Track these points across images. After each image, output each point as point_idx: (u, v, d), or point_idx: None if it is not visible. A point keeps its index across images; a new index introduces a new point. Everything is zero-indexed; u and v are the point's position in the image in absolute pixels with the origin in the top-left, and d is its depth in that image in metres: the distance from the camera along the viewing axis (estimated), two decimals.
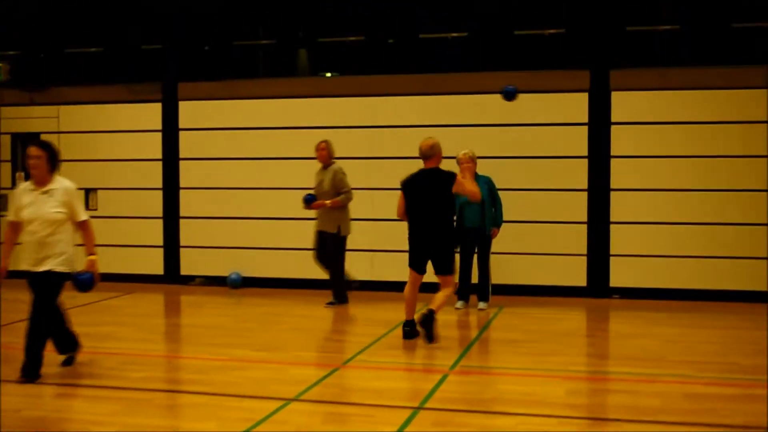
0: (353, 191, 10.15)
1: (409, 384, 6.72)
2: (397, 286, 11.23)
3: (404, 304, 8.37)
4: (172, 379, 7.01)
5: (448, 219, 8.28)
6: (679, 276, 10.71)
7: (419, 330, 8.14)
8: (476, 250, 9.99)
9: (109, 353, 7.82)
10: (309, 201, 10.14)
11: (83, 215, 6.81)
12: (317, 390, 6.48)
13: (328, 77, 12.54)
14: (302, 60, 12.76)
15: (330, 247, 10.09)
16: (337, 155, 11.51)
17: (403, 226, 11.26)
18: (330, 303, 10.20)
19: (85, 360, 7.48)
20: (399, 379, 6.93)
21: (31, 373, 6.66)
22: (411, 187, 8.44)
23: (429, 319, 8.01)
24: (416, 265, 8.37)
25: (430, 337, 8.00)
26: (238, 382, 6.70)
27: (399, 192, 11.22)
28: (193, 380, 7.06)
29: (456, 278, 8.59)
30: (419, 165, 11.21)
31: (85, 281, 6.77)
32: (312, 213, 10.35)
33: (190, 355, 8.09)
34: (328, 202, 9.93)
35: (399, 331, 8.69)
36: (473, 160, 9.87)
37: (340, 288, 10.24)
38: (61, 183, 6.79)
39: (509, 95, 9.81)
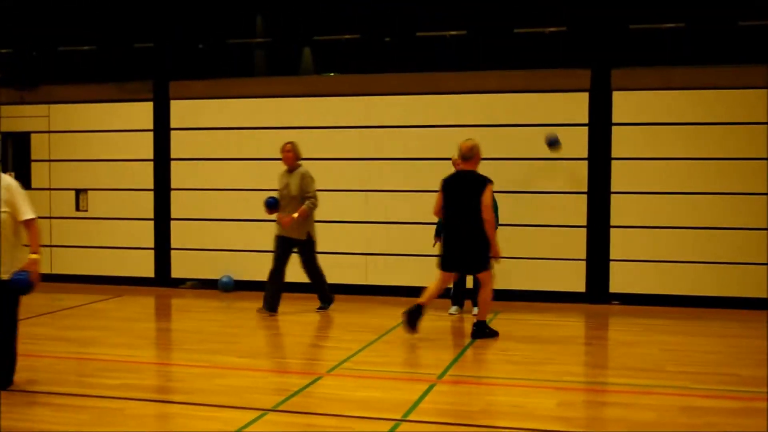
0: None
1: (393, 394, 6.41)
2: (391, 291, 11.07)
3: (420, 296, 8.37)
4: (148, 387, 6.73)
5: (479, 221, 8.22)
6: (681, 282, 10.40)
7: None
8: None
9: (88, 359, 7.61)
10: (272, 205, 9.68)
11: (28, 214, 6.30)
12: (297, 400, 6.20)
13: (330, 76, 12.26)
14: (306, 59, 12.49)
15: (303, 255, 9.76)
16: (331, 156, 11.32)
17: (399, 230, 11.12)
18: (320, 308, 9.94)
19: (64, 366, 7.26)
20: (384, 388, 6.62)
21: (3, 380, 6.41)
22: (448, 187, 8.52)
23: (480, 331, 8.41)
24: (447, 267, 8.49)
25: (491, 335, 8.46)
26: (217, 391, 6.44)
27: (399, 193, 11.13)
28: (170, 388, 6.82)
29: (490, 278, 8.47)
30: (417, 166, 11.06)
31: (18, 282, 6.20)
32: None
33: (171, 361, 7.85)
34: (295, 215, 9.44)
35: (389, 337, 8.48)
36: None
37: (323, 290, 9.97)
38: (2, 180, 6.35)
39: (552, 144, 10.12)
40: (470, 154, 8.46)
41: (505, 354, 7.87)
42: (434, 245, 9.88)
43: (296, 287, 10.43)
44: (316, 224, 9.81)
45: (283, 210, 9.60)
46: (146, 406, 6.11)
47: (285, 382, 6.88)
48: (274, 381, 6.99)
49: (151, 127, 12.10)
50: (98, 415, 5.83)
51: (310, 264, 9.80)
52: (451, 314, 9.77)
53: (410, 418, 5.74)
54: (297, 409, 5.96)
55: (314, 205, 9.59)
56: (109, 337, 8.61)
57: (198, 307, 10.58)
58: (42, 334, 8.67)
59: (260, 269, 11.37)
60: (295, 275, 10.62)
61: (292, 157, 9.75)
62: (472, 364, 7.73)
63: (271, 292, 9.72)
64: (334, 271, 11.15)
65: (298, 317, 9.69)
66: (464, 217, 8.31)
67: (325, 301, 10.02)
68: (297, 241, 9.64)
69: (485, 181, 8.31)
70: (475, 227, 8.25)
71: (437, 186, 9.99)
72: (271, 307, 9.69)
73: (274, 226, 9.76)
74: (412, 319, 8.20)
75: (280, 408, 5.96)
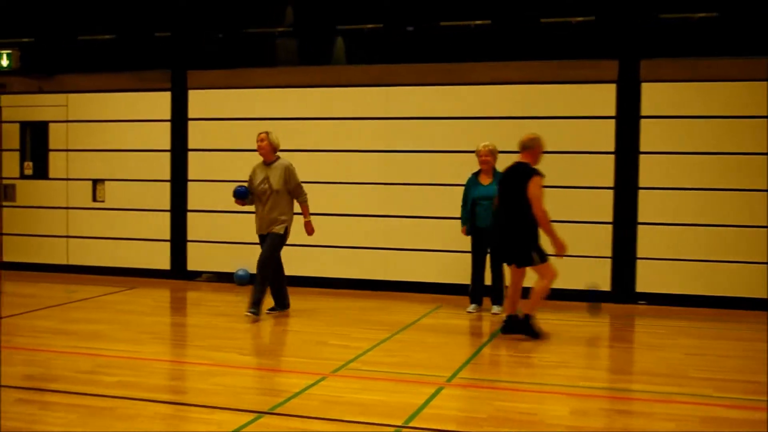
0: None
1: (398, 397, 6.09)
2: (411, 287, 10.76)
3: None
4: (144, 386, 6.46)
5: (520, 212, 7.93)
6: (711, 282, 9.96)
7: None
8: (489, 251, 9.32)
9: (89, 354, 7.36)
10: (243, 195, 9.04)
11: None
12: (295, 402, 5.92)
13: (350, 67, 11.94)
14: (339, 49, 12.19)
15: (269, 245, 8.93)
16: (351, 148, 11.02)
17: (420, 224, 10.81)
18: (251, 312, 8.91)
19: (61, 362, 7.05)
20: (389, 391, 6.31)
21: None
22: (503, 178, 8.35)
23: (510, 326, 8.08)
24: (496, 258, 8.69)
25: (535, 336, 8.01)
26: (213, 390, 6.18)
27: (421, 187, 10.83)
28: (166, 387, 6.57)
29: (546, 271, 8.07)
30: (439, 159, 10.74)
31: None
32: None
33: (172, 358, 7.60)
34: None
35: (402, 336, 8.21)
36: (493, 154, 9.36)
37: (262, 292, 8.93)
38: None
39: (594, 303, 9.40)
40: (530, 144, 8.19)
41: (522, 356, 7.54)
42: (467, 234, 9.50)
43: (306, 281, 10.19)
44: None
45: (263, 205, 9.02)
46: (138, 406, 5.85)
47: (286, 383, 6.61)
48: (274, 381, 6.75)
49: (168, 117, 11.91)
50: (87, 414, 5.60)
51: (271, 257, 8.95)
52: (469, 312, 9.43)
53: (411, 424, 5.43)
54: (293, 412, 5.68)
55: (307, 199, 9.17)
56: (114, 331, 8.40)
57: (210, 301, 10.38)
58: (45, 327, 8.50)
59: None
60: (314, 269, 10.42)
61: (266, 147, 9.04)
62: (486, 366, 7.40)
63: (276, 290, 9.32)
64: (353, 266, 10.95)
65: (309, 313, 9.42)
66: (507, 208, 8.08)
67: (257, 306, 8.88)
68: (273, 235, 8.98)
69: (531, 173, 7.96)
70: (514, 219, 7.99)
71: (459, 179, 9.75)
72: (281, 304, 9.37)
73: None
74: (506, 329, 8.09)
75: (276, 411, 5.68)
